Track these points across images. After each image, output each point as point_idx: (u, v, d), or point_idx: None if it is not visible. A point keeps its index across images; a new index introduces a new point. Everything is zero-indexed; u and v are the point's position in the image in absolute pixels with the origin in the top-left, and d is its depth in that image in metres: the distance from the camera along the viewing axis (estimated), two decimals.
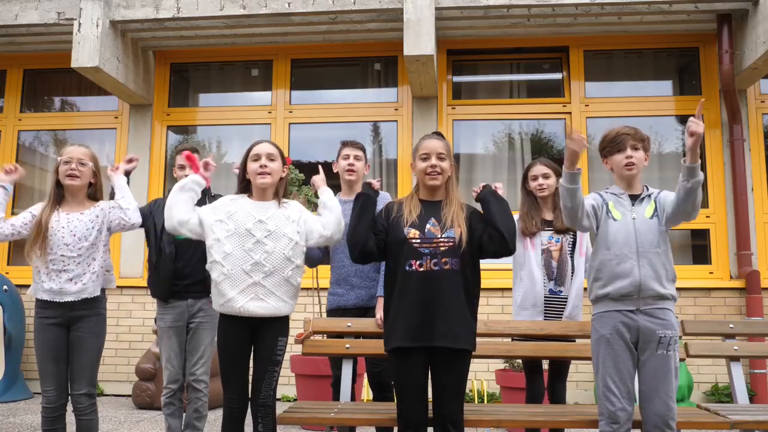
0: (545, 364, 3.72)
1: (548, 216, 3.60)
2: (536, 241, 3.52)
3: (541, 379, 3.63)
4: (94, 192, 3.33)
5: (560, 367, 3.62)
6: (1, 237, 3.18)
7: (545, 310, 3.51)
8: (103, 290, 3.25)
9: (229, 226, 2.95)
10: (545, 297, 3.51)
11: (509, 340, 3.67)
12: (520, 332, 3.50)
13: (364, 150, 3.80)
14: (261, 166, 3.00)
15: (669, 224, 2.88)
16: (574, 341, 3.56)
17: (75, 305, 3.14)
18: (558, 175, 3.52)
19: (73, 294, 3.13)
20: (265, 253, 2.92)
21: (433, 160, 2.87)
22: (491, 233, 2.82)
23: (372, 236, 2.85)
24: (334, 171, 3.82)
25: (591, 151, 6.36)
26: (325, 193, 3.19)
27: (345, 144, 3.79)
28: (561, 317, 3.51)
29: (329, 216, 3.10)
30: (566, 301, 3.51)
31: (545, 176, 3.59)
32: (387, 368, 3.49)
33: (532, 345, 3.52)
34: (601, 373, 2.84)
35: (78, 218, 3.21)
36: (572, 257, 3.53)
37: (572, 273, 3.52)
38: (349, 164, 3.70)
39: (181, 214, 2.97)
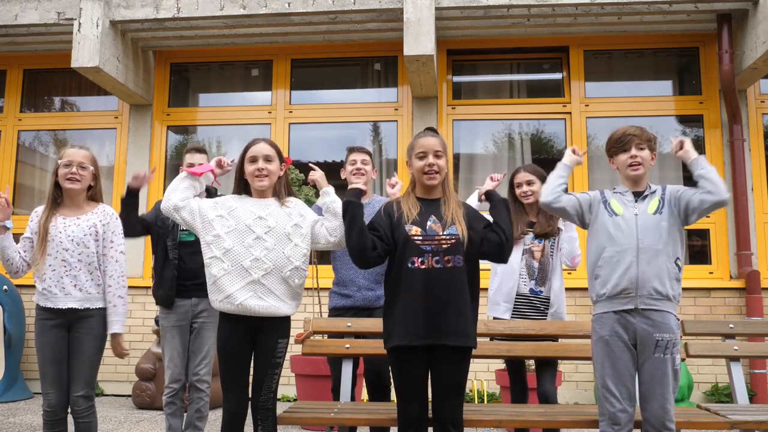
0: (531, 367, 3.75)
1: (532, 219, 3.68)
2: (519, 243, 3.60)
3: (524, 378, 3.70)
4: (94, 194, 3.28)
5: (548, 367, 3.62)
6: (23, 272, 3.18)
7: (526, 308, 3.59)
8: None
9: (229, 222, 2.93)
10: (526, 296, 3.59)
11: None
12: (519, 332, 3.51)
13: (370, 155, 3.81)
14: (258, 170, 2.96)
15: (695, 215, 2.83)
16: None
17: (77, 310, 3.11)
18: (541, 179, 3.60)
19: (78, 301, 3.10)
20: (264, 249, 2.89)
21: (431, 159, 2.84)
22: (493, 238, 2.81)
23: (372, 239, 2.79)
24: (342, 177, 3.83)
25: (591, 151, 6.37)
26: (329, 195, 3.04)
27: (351, 150, 3.79)
28: (542, 316, 3.58)
29: (334, 221, 2.98)
30: (547, 301, 3.60)
31: (529, 183, 3.68)
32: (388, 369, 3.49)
33: (532, 345, 3.53)
34: (600, 375, 2.83)
35: (75, 223, 3.16)
36: (553, 258, 3.62)
37: (553, 273, 3.62)
38: (356, 168, 3.70)
39: (178, 199, 2.97)
